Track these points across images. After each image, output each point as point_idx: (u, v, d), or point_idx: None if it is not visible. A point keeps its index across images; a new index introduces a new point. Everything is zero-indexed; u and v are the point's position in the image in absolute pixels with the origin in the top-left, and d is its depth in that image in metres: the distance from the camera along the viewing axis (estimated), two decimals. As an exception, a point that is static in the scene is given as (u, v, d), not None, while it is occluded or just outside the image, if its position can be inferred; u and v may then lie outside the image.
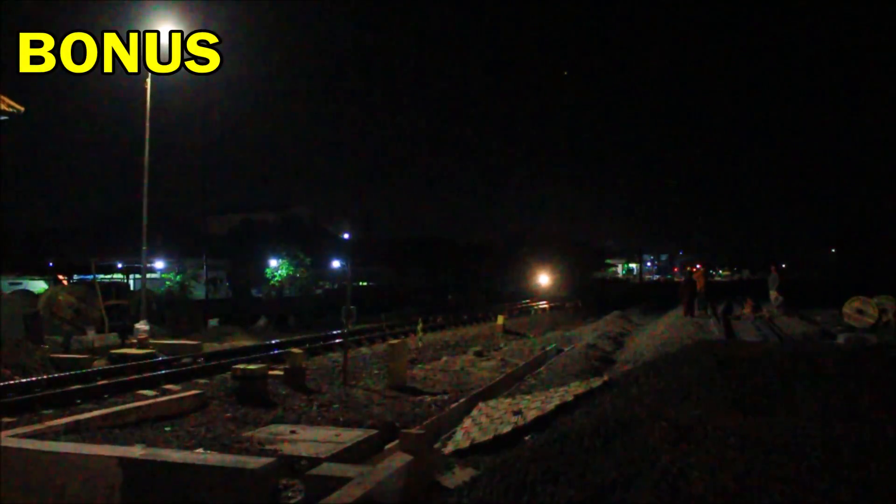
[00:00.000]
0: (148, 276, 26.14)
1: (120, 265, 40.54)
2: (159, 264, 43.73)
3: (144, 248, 23.79)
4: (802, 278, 73.09)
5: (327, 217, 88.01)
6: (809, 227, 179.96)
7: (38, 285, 32.35)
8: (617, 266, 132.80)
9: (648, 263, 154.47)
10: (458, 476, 7.36)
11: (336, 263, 60.52)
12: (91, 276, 27.87)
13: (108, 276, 35.14)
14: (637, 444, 5.39)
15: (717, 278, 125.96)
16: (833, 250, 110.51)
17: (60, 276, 32.87)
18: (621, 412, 6.98)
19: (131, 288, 31.66)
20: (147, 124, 22.72)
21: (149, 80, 22.35)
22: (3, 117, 18.97)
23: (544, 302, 47.85)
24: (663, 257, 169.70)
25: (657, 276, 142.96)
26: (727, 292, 43.58)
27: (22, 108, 18.82)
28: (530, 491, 5.03)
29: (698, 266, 32.34)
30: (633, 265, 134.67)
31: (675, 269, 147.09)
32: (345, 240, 71.73)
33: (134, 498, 6.68)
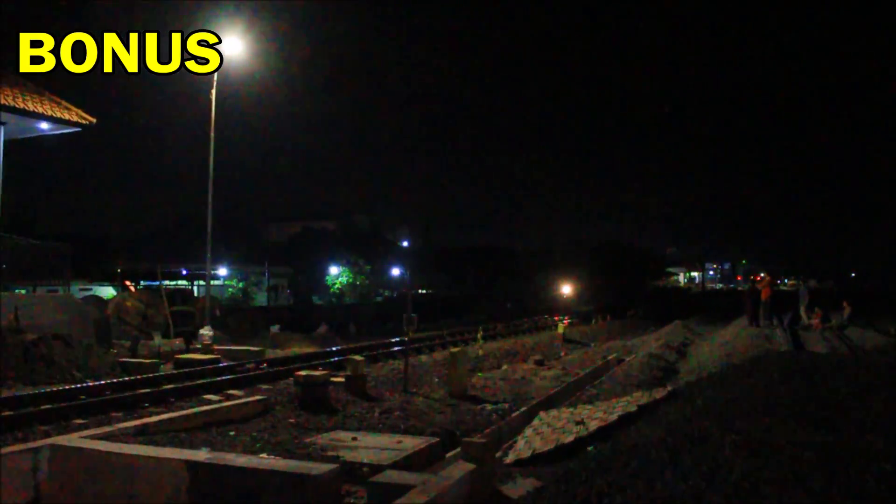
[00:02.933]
0: (211, 282, 26.66)
1: (185, 272, 41.53)
2: (222, 271, 44.66)
3: (209, 255, 24.24)
4: (873, 288, 70.76)
5: (386, 225, 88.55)
6: (880, 235, 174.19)
7: (107, 291, 33.30)
8: (678, 274, 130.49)
9: (711, 272, 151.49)
10: (520, 486, 7.29)
11: (395, 271, 60.91)
12: (157, 283, 28.59)
13: (174, 283, 36.01)
14: (706, 457, 5.25)
15: (783, 287, 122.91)
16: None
17: (128, 283, 33.75)
18: (688, 424, 6.83)
19: (195, 294, 32.34)
20: (212, 133, 23.06)
21: (213, 91, 22.72)
22: (75, 129, 19.58)
23: (603, 310, 47.26)
24: (726, 265, 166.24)
25: (720, 285, 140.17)
26: (793, 302, 42.44)
27: (93, 120, 19.40)
28: (596, 503, 4.95)
29: (763, 275, 31.57)
30: (694, 273, 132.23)
31: (739, 278, 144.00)
32: (403, 248, 72.10)
33: (199, 500, 6.79)
